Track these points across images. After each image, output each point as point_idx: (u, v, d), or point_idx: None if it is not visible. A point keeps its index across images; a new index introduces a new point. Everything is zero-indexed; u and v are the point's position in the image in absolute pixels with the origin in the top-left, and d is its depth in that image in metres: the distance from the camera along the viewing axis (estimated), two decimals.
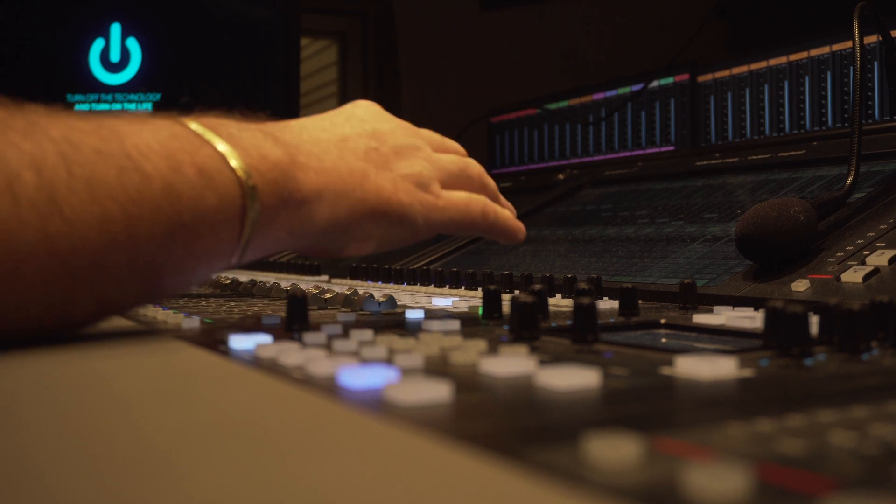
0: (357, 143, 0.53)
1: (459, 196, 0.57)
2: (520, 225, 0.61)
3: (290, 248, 0.52)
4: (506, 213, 0.60)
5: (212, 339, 0.44)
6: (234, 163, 0.44)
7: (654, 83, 1.22)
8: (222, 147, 0.44)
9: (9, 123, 0.39)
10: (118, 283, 0.41)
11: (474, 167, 0.60)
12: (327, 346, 0.39)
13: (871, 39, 0.92)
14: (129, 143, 0.41)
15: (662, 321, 0.50)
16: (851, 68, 0.95)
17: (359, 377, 0.30)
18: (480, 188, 0.60)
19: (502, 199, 0.63)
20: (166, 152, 0.42)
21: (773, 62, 1.05)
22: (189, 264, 0.44)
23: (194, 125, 0.45)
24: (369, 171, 0.52)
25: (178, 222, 0.42)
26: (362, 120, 0.56)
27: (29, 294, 0.39)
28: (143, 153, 0.41)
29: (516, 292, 0.67)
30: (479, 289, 0.74)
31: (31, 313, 0.39)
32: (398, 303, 0.64)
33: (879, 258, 0.59)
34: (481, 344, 0.38)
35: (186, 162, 0.42)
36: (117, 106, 1.55)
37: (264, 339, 0.41)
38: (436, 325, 0.46)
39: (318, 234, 0.50)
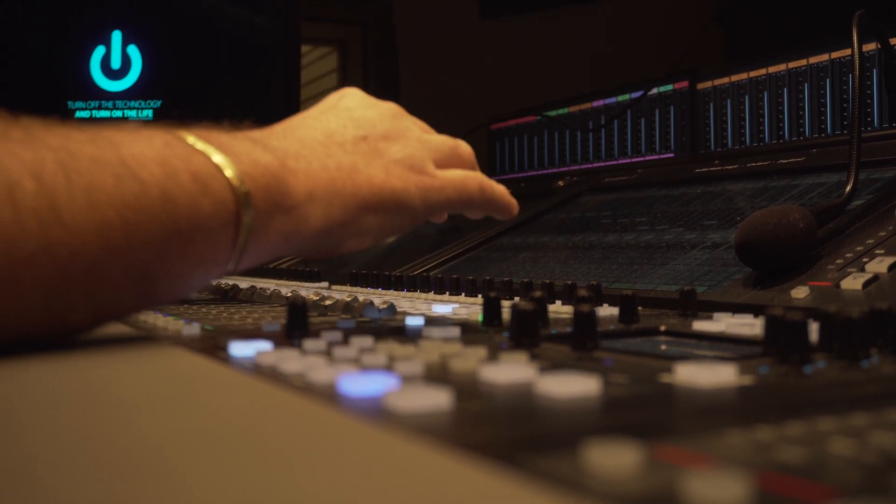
0: (344, 136, 0.53)
1: (455, 174, 0.57)
2: (514, 200, 0.61)
3: (288, 253, 0.51)
4: (501, 187, 0.60)
5: (212, 346, 0.44)
6: (226, 170, 0.44)
7: (654, 90, 1.22)
8: (215, 155, 0.45)
9: (7, 133, 0.40)
10: (114, 289, 0.42)
11: (465, 147, 0.60)
12: (327, 354, 0.39)
13: (870, 47, 0.92)
14: (125, 152, 0.42)
15: (662, 328, 0.50)
16: (850, 76, 0.95)
17: (359, 384, 0.30)
18: (472, 168, 0.60)
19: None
20: (160, 160, 0.42)
21: (772, 70, 1.05)
22: (185, 271, 0.44)
23: (185, 135, 0.45)
24: (358, 162, 0.52)
25: (174, 229, 0.42)
26: (348, 109, 0.55)
27: (28, 301, 0.39)
28: (138, 161, 0.42)
29: (516, 299, 0.67)
30: (479, 295, 0.74)
31: (28, 320, 0.40)
32: (398, 309, 0.64)
33: (879, 265, 0.59)
34: (481, 351, 0.38)
35: (181, 169, 0.43)
36: (118, 113, 1.56)
37: (264, 345, 0.41)
38: (436, 332, 0.46)
39: (313, 236, 0.50)
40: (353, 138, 0.53)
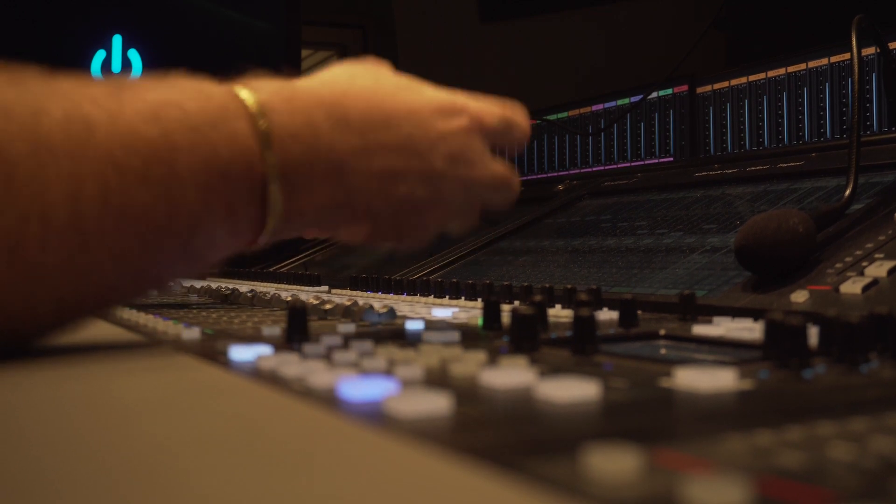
0: (400, 188, 0.49)
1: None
2: None
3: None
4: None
5: (212, 350, 0.44)
6: (270, 217, 0.45)
7: (654, 95, 1.22)
8: (273, 196, 0.44)
9: (54, 136, 0.38)
10: (123, 297, 0.45)
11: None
12: (327, 358, 0.39)
13: (869, 51, 0.92)
14: (181, 165, 0.41)
15: (662, 332, 0.50)
16: (850, 80, 0.95)
17: (359, 389, 0.30)
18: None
19: None
20: (205, 187, 0.42)
21: (771, 74, 1.05)
22: (190, 275, 0.47)
23: (267, 155, 0.44)
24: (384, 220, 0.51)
25: (192, 252, 0.44)
26: (441, 156, 0.50)
27: (41, 311, 0.41)
28: (182, 182, 0.41)
29: (516, 303, 0.67)
30: (479, 299, 0.74)
31: (39, 325, 0.42)
32: (398, 313, 0.64)
33: (878, 269, 0.59)
34: (481, 355, 0.38)
35: (221, 203, 0.42)
36: None
37: (264, 350, 0.41)
38: (435, 336, 0.46)
39: (302, 225, 0.49)
40: (406, 195, 0.50)
